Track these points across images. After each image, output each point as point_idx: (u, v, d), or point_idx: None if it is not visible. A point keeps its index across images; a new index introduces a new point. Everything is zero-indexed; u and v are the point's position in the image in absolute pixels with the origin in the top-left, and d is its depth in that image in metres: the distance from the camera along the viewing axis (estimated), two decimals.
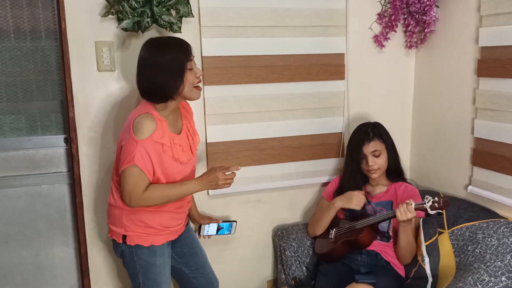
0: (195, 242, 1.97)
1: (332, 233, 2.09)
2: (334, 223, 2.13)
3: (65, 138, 2.09)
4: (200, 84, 1.74)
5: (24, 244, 2.10)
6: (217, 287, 2.04)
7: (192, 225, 2.06)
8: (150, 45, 1.68)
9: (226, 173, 1.72)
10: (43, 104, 2.06)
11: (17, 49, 1.98)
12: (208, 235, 2.04)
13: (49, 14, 1.99)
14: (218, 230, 2.04)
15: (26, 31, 1.98)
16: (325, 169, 2.39)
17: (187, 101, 1.85)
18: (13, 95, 2.02)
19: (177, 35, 1.96)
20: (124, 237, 1.76)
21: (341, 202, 2.06)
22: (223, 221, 2.06)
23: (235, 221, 2.06)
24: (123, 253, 1.79)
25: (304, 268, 2.20)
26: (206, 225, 2.01)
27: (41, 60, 2.02)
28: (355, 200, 2.02)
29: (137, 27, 1.90)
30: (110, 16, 1.92)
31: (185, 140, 1.79)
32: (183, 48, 1.67)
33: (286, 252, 2.22)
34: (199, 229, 2.03)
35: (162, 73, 1.63)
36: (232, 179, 1.74)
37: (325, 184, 2.37)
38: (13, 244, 2.09)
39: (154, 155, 1.65)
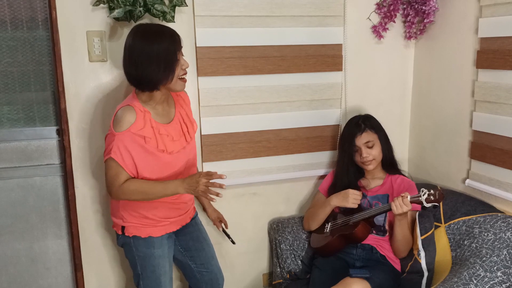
0: (202, 237, 1.95)
1: (327, 227, 2.07)
2: (329, 216, 2.10)
3: (57, 130, 2.06)
4: (186, 76, 1.70)
5: (17, 236, 2.09)
6: (222, 283, 2.02)
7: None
8: (141, 32, 1.63)
9: (211, 181, 1.60)
10: (34, 95, 2.03)
11: (8, 39, 1.95)
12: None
13: (40, 3, 1.94)
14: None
15: (17, 20, 1.94)
16: (322, 161, 2.36)
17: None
18: (4, 86, 1.99)
19: (170, 25, 1.91)
20: (123, 228, 1.77)
21: (336, 201, 2.02)
22: (224, 231, 2.15)
23: (233, 243, 2.14)
24: (123, 244, 1.81)
25: (300, 261, 2.18)
26: None
27: (32, 50, 1.98)
28: (351, 198, 1.97)
29: (129, 17, 1.86)
30: (101, 5, 1.88)
31: (177, 129, 1.75)
32: (175, 39, 1.64)
33: (281, 246, 2.20)
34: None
35: (153, 63, 1.60)
36: (214, 193, 1.59)
37: (321, 177, 2.35)
38: (6, 237, 2.07)
39: (135, 147, 1.63)
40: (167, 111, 1.75)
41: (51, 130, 2.06)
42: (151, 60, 1.59)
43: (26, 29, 1.96)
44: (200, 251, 1.94)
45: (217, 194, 1.60)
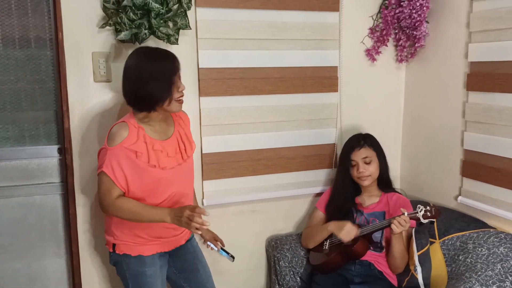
0: (197, 259, 1.94)
1: (326, 245, 2.11)
2: None
3: (58, 149, 2.07)
4: (183, 98, 1.74)
5: (16, 255, 2.07)
6: None
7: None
8: (141, 54, 1.70)
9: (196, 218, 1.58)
10: (37, 114, 2.04)
11: (12, 58, 1.96)
12: (211, 248, 2.05)
13: (45, 24, 1.98)
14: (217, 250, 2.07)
15: (21, 40, 1.97)
16: (319, 179, 2.42)
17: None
18: (6, 105, 2.00)
19: (174, 47, 1.97)
20: (114, 245, 1.77)
21: (334, 228, 2.05)
22: (223, 249, 2.06)
23: (233, 258, 2.06)
24: (115, 263, 1.81)
25: (298, 278, 2.21)
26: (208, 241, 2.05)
27: (36, 69, 2.00)
28: (344, 232, 1.98)
29: (135, 39, 1.90)
30: (107, 27, 1.92)
31: (174, 146, 1.78)
32: (174, 62, 1.70)
33: (280, 263, 2.23)
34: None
35: (152, 82, 1.64)
36: (198, 225, 1.57)
37: (318, 195, 2.40)
38: (4, 255, 2.05)
39: (127, 162, 1.66)
40: (165, 129, 1.79)
41: (53, 149, 2.07)
42: (151, 79, 1.64)
43: (31, 49, 1.97)
44: (195, 273, 1.92)
45: (201, 225, 1.58)
